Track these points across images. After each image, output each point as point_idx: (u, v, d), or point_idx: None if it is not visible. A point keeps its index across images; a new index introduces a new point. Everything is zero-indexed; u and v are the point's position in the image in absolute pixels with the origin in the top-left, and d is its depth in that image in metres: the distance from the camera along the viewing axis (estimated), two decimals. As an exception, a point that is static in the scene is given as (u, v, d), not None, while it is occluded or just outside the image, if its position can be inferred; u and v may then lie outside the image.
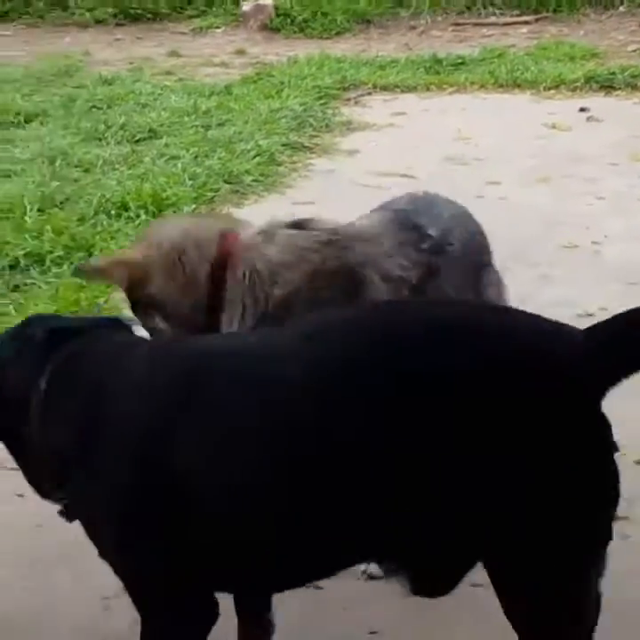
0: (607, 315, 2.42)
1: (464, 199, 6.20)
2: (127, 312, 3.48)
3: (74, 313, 5.12)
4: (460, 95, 8.66)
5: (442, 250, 3.35)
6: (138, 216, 6.29)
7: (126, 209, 6.34)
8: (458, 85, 8.80)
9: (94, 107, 8.30)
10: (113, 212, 6.33)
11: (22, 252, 5.82)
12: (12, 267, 5.77)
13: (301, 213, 6.12)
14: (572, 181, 6.84)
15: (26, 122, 8.07)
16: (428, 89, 8.82)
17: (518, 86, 8.69)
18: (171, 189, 6.54)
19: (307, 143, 7.61)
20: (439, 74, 9.08)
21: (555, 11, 10.60)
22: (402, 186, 6.50)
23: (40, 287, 5.58)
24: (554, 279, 5.57)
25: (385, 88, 8.77)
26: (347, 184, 6.96)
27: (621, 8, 10.31)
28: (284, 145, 7.49)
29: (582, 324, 2.46)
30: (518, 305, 3.22)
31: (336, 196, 6.66)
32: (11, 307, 5.34)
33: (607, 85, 8.57)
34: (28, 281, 5.66)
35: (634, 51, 9.27)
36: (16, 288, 5.61)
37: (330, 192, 6.84)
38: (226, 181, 6.87)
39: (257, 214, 6.22)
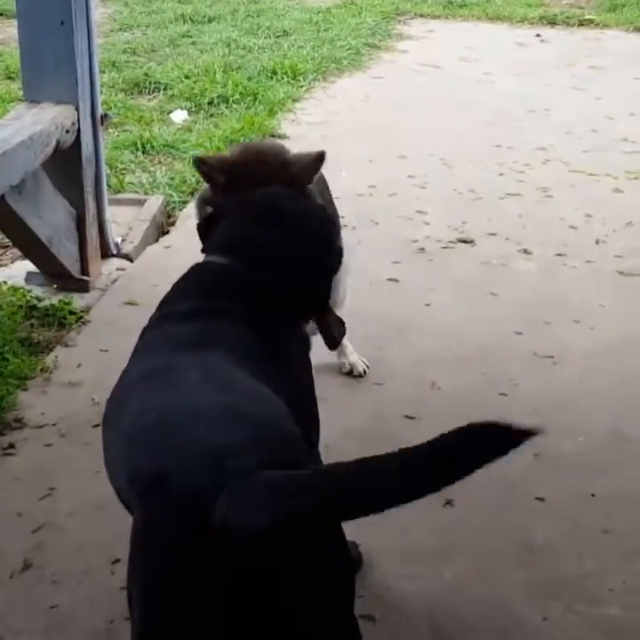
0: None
1: (468, 82, 6.64)
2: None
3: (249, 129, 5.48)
4: (464, 22, 8.69)
5: None
6: (282, 78, 6.57)
7: (275, 73, 6.66)
8: (463, 17, 8.81)
9: (249, 15, 8.41)
10: (267, 74, 6.63)
11: (215, 95, 6.18)
12: (209, 103, 6.11)
13: (375, 84, 6.58)
14: (530, 75, 7.05)
15: (209, 21, 8.25)
16: (446, 17, 8.82)
17: (499, 19, 8.67)
18: (301, 65, 6.82)
19: (377, 44, 7.80)
20: (452, 9, 8.98)
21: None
22: (432, 71, 6.90)
23: (226, 115, 5.94)
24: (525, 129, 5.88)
25: (421, 15, 8.80)
26: (401, 68, 7.32)
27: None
28: (364, 44, 7.69)
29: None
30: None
31: (395, 75, 7.00)
32: (211, 125, 5.68)
33: (552, 21, 8.55)
34: (219, 111, 6.00)
35: (566, 4, 9.25)
36: (211, 116, 5.95)
37: (392, 72, 7.14)
38: (332, 62, 7.10)
39: (349, 82, 6.68)
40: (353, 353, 3.30)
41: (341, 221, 4.42)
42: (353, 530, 2.55)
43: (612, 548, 2.57)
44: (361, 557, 2.52)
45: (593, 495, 2.78)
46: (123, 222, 4.45)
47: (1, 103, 5.95)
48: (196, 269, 1.96)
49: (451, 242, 4.39)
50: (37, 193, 3.57)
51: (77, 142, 3.77)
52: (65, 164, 3.78)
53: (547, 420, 3.14)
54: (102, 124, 3.99)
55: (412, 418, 3.12)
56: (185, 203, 4.75)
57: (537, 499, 2.77)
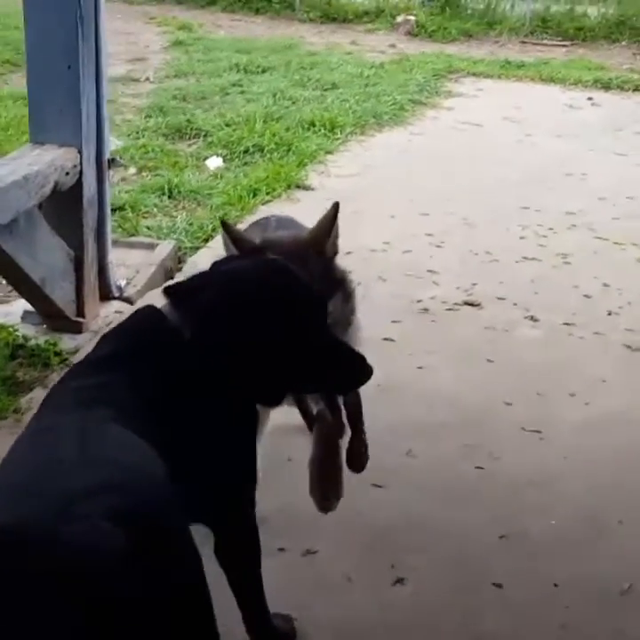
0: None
1: (509, 142, 6.51)
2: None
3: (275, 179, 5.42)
4: (517, 83, 8.62)
5: None
6: (319, 130, 6.54)
7: (313, 125, 6.62)
8: (517, 77, 8.74)
9: (302, 67, 8.46)
10: (305, 126, 6.59)
11: (251, 144, 6.16)
12: (245, 151, 6.10)
13: (414, 140, 6.48)
14: (574, 138, 6.91)
15: (262, 72, 8.32)
16: (499, 77, 8.77)
17: (553, 81, 8.60)
18: (340, 117, 6.78)
19: (423, 100, 7.76)
20: (508, 69, 8.95)
21: (583, 40, 10.40)
22: (473, 130, 6.78)
23: (258, 164, 5.91)
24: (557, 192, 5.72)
25: (473, 74, 8.77)
26: (443, 125, 7.23)
27: (623, 42, 10.18)
28: (410, 100, 7.65)
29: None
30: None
31: (435, 132, 6.90)
32: (241, 173, 5.63)
33: (607, 85, 8.44)
34: (253, 160, 5.98)
35: (626, 68, 9.13)
36: (244, 164, 5.92)
37: (432, 129, 7.04)
38: (373, 116, 7.05)
39: (388, 137, 6.60)
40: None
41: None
42: (293, 603, 2.47)
43: (566, 647, 2.37)
44: (294, 632, 2.37)
45: (555, 585, 2.54)
46: (131, 265, 4.39)
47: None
48: (137, 312, 1.89)
49: (456, 304, 4.24)
50: (31, 232, 3.52)
51: (79, 184, 3.73)
52: (65, 206, 3.73)
53: (520, 499, 2.96)
54: (109, 168, 3.95)
55: (379, 486, 2.96)
56: (197, 249, 4.68)
57: (494, 584, 2.56)
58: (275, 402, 1.93)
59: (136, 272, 4.33)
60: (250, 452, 1.95)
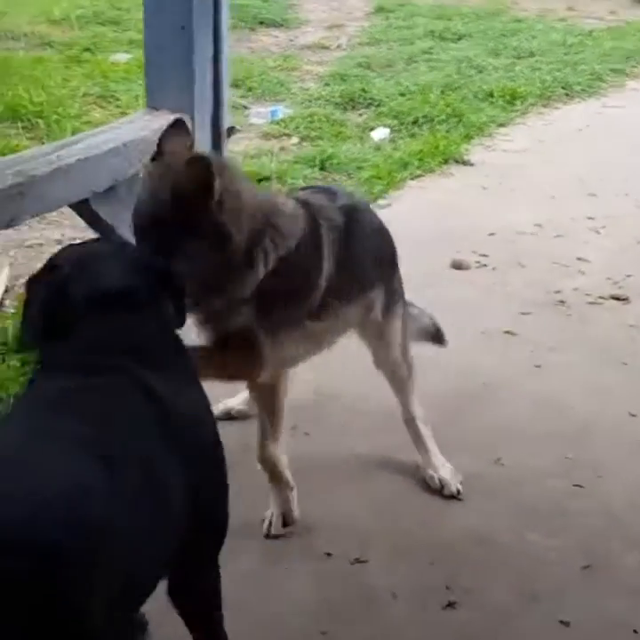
0: None
1: None
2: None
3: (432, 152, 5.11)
4: None
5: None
6: (496, 101, 6.17)
7: (491, 95, 6.26)
8: None
9: (502, 34, 8.07)
10: (482, 96, 6.24)
11: (421, 114, 5.88)
12: (413, 122, 5.84)
13: (605, 113, 5.96)
14: None
15: (457, 39, 7.98)
16: None
17: None
18: (523, 88, 6.38)
19: (627, 71, 7.19)
20: None
21: None
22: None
23: (424, 136, 5.61)
24: None
25: None
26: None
27: None
28: (610, 69, 7.11)
29: None
30: None
31: (634, 106, 6.34)
32: (402, 145, 5.37)
33: None
34: (420, 132, 5.72)
35: None
36: (411, 136, 5.64)
37: (631, 103, 6.51)
38: (562, 87, 6.60)
39: (575, 109, 6.12)
40: (445, 465, 2.71)
41: (486, 260, 4.06)
42: (328, 612, 2.25)
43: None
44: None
45: (635, 632, 2.23)
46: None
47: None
48: None
49: (601, 297, 3.81)
50: (131, 201, 3.46)
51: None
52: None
53: (616, 526, 2.59)
54: (229, 136, 3.84)
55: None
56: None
57: (561, 622, 2.26)
58: None
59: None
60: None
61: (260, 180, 4.94)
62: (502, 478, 2.76)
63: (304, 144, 5.67)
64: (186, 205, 1.92)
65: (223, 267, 2.02)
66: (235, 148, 5.49)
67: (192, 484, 1.52)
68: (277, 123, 5.97)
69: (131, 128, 3.45)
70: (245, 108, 6.34)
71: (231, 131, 3.78)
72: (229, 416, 2.88)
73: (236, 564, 2.14)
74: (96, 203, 3.28)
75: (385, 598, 2.33)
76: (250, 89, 6.60)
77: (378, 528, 2.54)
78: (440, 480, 2.66)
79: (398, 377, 2.67)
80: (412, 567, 2.43)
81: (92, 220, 3.37)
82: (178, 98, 3.56)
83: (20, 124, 5.29)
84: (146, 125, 3.47)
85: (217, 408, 2.71)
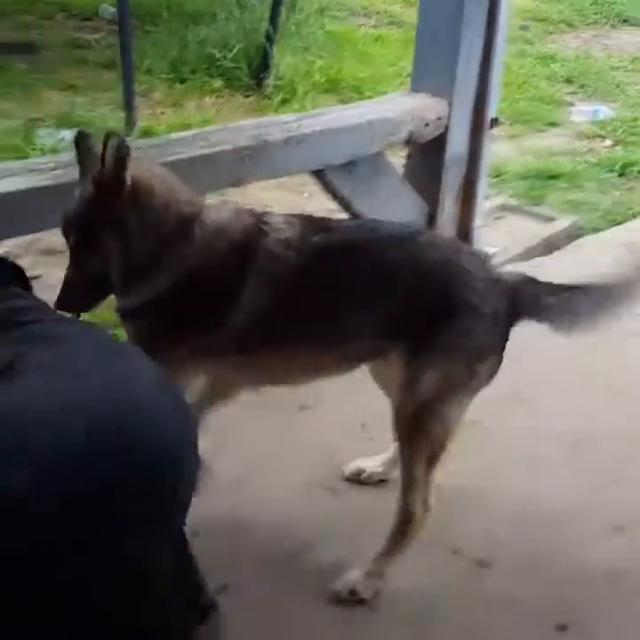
0: None
1: None
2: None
3: None
4: None
5: None
6: None
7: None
8: None
9: None
10: None
11: None
12: None
13: None
14: None
15: None
16: None
17: None
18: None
19: None
20: None
21: None
22: None
23: None
24: None
25: None
26: None
27: None
28: None
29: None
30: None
31: None
32: None
33: None
34: None
35: None
36: None
37: None
38: None
39: None
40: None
41: None
42: (444, 613, 2.17)
43: None
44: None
45: None
46: (517, 235, 4.23)
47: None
48: None
49: None
50: (373, 178, 3.56)
51: (442, 138, 3.67)
52: (423, 158, 3.71)
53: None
54: (492, 127, 3.82)
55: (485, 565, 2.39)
56: (597, 230, 4.31)
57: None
58: None
59: (515, 242, 4.15)
60: None
61: (548, 178, 4.84)
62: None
63: (617, 148, 5.43)
64: (101, 193, 1.93)
65: (133, 265, 1.97)
66: (541, 143, 5.41)
67: None
68: (597, 123, 5.77)
69: (379, 107, 3.57)
70: (570, 104, 6.18)
71: (494, 122, 3.76)
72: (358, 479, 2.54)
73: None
74: (333, 174, 3.43)
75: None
76: (582, 86, 6.41)
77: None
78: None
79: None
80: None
81: (329, 190, 3.53)
82: (439, 83, 3.62)
83: (333, 97, 5.57)
84: (396, 107, 3.58)
85: (348, 467, 2.56)
